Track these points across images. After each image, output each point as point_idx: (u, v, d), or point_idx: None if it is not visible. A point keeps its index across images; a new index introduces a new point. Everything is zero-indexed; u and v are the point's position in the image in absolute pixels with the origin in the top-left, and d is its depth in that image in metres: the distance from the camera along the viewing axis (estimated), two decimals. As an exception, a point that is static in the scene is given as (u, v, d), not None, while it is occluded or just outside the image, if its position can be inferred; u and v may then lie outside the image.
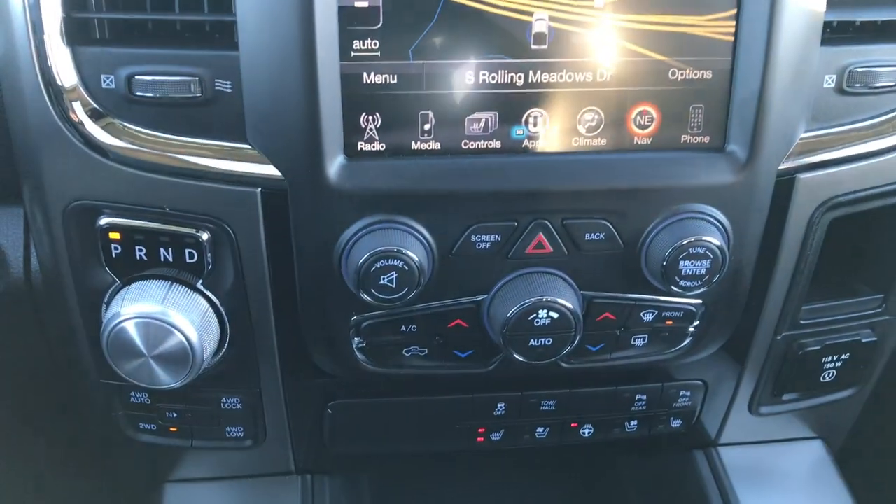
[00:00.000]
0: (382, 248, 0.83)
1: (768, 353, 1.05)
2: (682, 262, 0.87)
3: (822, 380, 1.07)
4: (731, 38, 0.84)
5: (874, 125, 0.91)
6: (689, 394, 1.08)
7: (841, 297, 1.04)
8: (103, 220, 0.86)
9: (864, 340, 1.05)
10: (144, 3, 0.81)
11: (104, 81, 0.81)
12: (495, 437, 1.10)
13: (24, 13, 0.79)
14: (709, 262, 0.87)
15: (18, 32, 0.80)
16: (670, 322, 0.95)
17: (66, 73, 0.80)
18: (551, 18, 0.82)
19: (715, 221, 0.88)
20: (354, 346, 0.94)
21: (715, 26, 0.84)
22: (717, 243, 0.87)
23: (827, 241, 0.98)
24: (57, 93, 0.80)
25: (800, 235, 0.94)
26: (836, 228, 0.98)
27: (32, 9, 0.79)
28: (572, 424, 1.10)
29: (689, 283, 0.88)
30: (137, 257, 0.87)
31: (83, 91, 0.81)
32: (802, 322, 1.02)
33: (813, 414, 1.16)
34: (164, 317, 0.85)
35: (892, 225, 1.00)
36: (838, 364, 1.06)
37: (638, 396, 1.07)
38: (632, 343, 0.97)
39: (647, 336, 0.97)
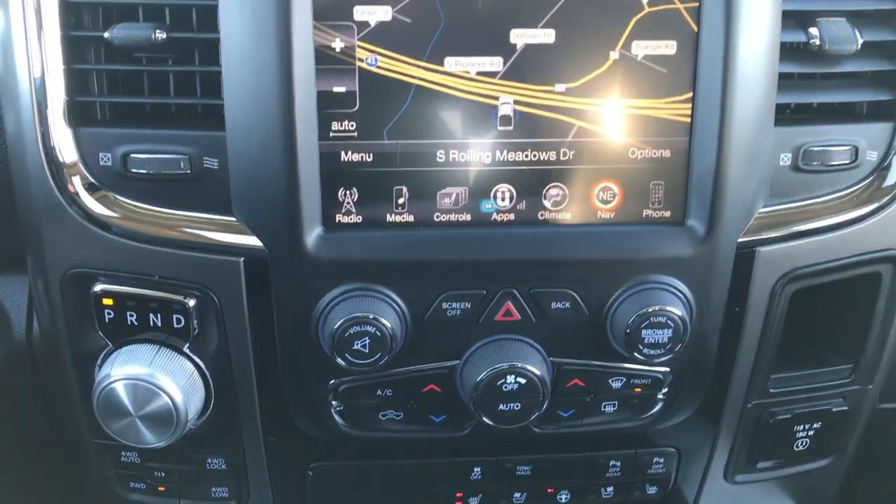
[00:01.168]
0: (356, 315, 0.87)
1: (740, 421, 1.07)
2: (644, 331, 0.90)
3: (795, 448, 1.08)
4: (688, 120, 0.89)
5: (831, 201, 0.96)
6: (662, 460, 1.10)
7: (810, 367, 1.07)
8: (98, 287, 0.91)
9: (834, 409, 1.07)
10: (143, 88, 0.89)
11: (102, 159, 0.88)
12: (473, 501, 1.12)
13: (31, 96, 0.86)
14: (670, 330, 0.90)
15: (25, 114, 0.87)
16: (639, 389, 0.99)
17: (67, 151, 0.87)
18: (516, 102, 0.88)
19: (677, 292, 0.92)
20: (333, 410, 0.98)
21: (672, 109, 0.89)
22: (679, 313, 0.90)
23: (795, 311, 1.01)
24: (58, 169, 0.87)
25: (763, 306, 0.98)
26: (804, 299, 1.01)
27: (39, 92, 0.86)
28: (549, 490, 1.12)
29: (652, 351, 0.91)
30: (129, 322, 0.93)
31: (82, 167, 0.88)
32: (772, 391, 1.05)
33: (792, 483, 1.17)
34: (152, 379, 0.90)
35: (856, 296, 1.03)
36: (811, 433, 1.08)
37: (612, 462, 1.09)
38: (602, 409, 1.00)
39: (616, 403, 1.00)
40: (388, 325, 0.88)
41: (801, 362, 1.07)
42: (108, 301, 0.92)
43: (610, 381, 0.97)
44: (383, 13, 0.84)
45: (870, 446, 1.18)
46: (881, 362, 1.06)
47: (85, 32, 0.86)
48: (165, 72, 0.88)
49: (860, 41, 0.91)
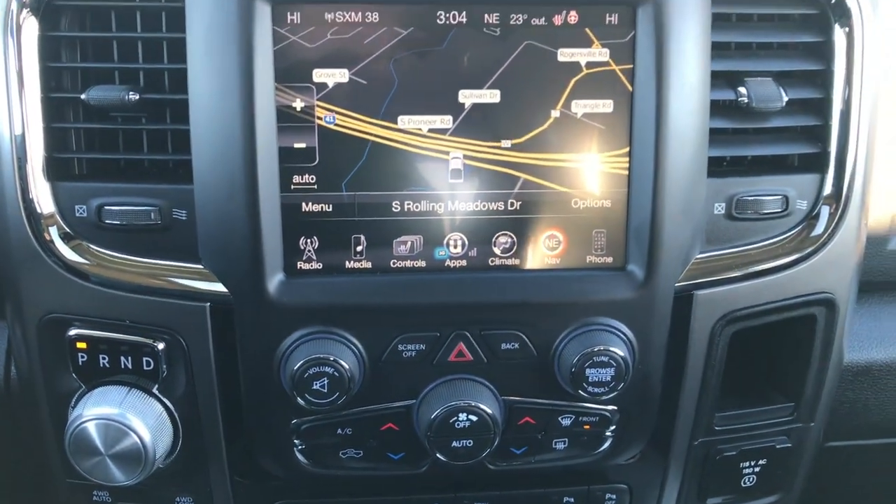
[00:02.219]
0: (316, 356, 0.93)
1: (688, 457, 1.11)
2: (588, 370, 0.96)
3: (743, 484, 1.12)
4: (626, 172, 0.96)
5: (764, 248, 1.02)
6: (615, 497, 1.14)
7: (754, 405, 1.12)
8: (72, 332, 0.96)
9: (778, 446, 1.12)
10: (117, 144, 0.95)
11: (77, 210, 0.94)
12: (433, 537, 1.16)
13: (12, 152, 0.93)
14: (613, 369, 0.96)
15: (6, 168, 0.93)
16: (588, 426, 1.03)
17: (45, 203, 0.93)
18: (465, 157, 0.94)
19: (619, 333, 0.98)
20: (295, 449, 1.02)
21: (611, 162, 0.96)
22: (621, 353, 0.96)
23: (737, 351, 1.07)
24: (36, 220, 0.93)
25: (703, 347, 1.03)
26: (745, 339, 1.07)
27: (19, 148, 0.93)
28: (506, 525, 1.16)
29: (596, 389, 0.96)
30: (101, 364, 0.97)
31: (59, 218, 0.94)
32: (717, 428, 1.10)
33: (743, 520, 1.21)
34: (122, 419, 0.94)
35: (793, 338, 1.09)
36: (757, 469, 1.12)
37: (566, 499, 1.13)
38: (553, 446, 1.05)
39: (567, 440, 1.04)
40: (346, 366, 0.93)
41: (746, 400, 1.12)
42: (81, 345, 0.97)
43: (560, 418, 1.02)
44: (340, 75, 0.91)
45: (820, 484, 1.23)
46: (821, 401, 1.11)
47: (64, 94, 0.93)
48: (139, 130, 0.94)
49: (785, 99, 0.99)
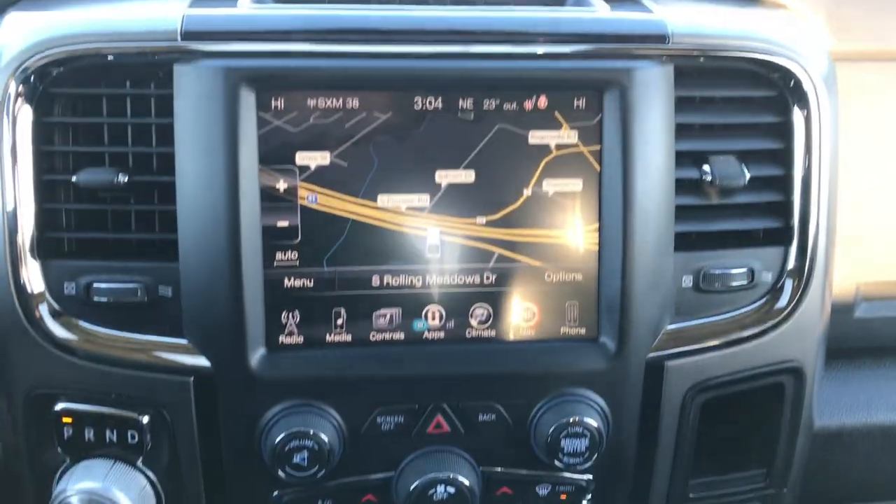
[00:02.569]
0: (296, 430, 0.95)
1: (663, 525, 1.13)
2: (563, 440, 0.98)
3: (719, 551, 1.14)
4: (597, 247, 1.00)
5: (731, 319, 1.05)
6: (592, 565, 1.16)
7: (728, 472, 1.14)
8: (59, 406, 0.98)
9: (752, 513, 1.14)
10: (106, 224, 0.99)
11: (66, 288, 0.97)
12: None
13: (4, 231, 0.95)
14: (587, 440, 0.98)
15: (-3, 247, 0.97)
16: (564, 496, 1.05)
17: (35, 282, 0.96)
18: (442, 233, 0.98)
19: (593, 403, 1.00)
20: (277, 520, 1.04)
21: (582, 237, 1.00)
22: (595, 424, 0.99)
23: (709, 419, 1.09)
24: (25, 297, 0.96)
25: (675, 416, 1.06)
26: (717, 407, 1.09)
27: (11, 228, 0.95)
28: None
29: (572, 459, 0.99)
30: (86, 438, 0.99)
31: (48, 296, 0.96)
32: (692, 496, 1.11)
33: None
34: (106, 493, 0.95)
35: (763, 405, 1.11)
36: (733, 536, 1.14)
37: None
38: (531, 515, 1.07)
39: (544, 509, 1.07)
40: (326, 439, 0.95)
41: (720, 467, 1.14)
42: (67, 419, 0.98)
43: (536, 488, 1.04)
44: (322, 158, 0.95)
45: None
46: (793, 467, 1.13)
47: (55, 176, 0.97)
48: (127, 210, 0.98)
49: (748, 176, 1.03)
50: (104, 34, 0.94)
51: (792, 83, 1.04)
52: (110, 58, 0.94)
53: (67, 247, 0.99)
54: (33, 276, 0.96)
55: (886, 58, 1.23)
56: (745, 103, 1.06)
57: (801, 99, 1.04)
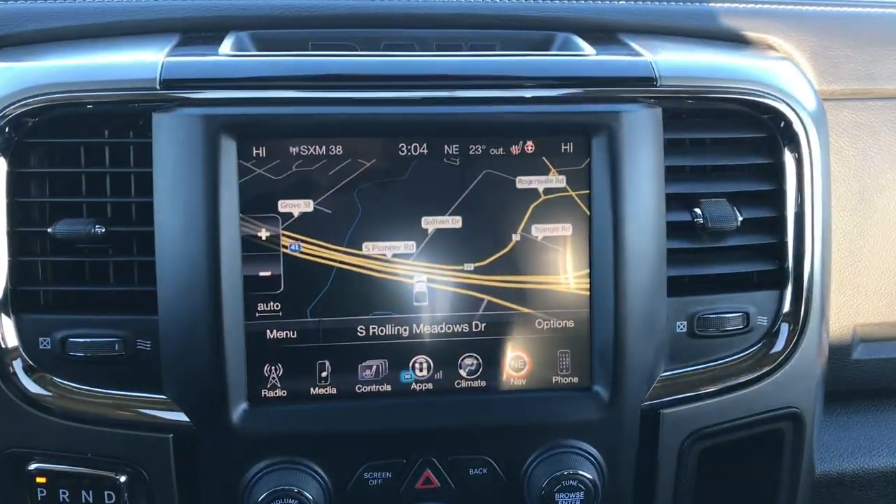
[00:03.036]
0: (278, 488, 0.91)
1: (662, 580, 1.09)
2: (557, 495, 0.95)
3: None
4: (588, 293, 0.97)
5: (727, 364, 1.03)
6: None
7: (728, 523, 1.11)
8: (32, 466, 0.94)
9: (755, 565, 1.10)
10: (83, 276, 0.96)
11: (41, 343, 0.93)
12: None
13: (-25, 287, 0.93)
14: (582, 493, 0.95)
15: (-31, 303, 0.94)
16: (559, 552, 1.02)
17: (8, 336, 0.93)
18: (429, 280, 0.96)
19: (588, 455, 0.97)
20: (260, 582, 1.00)
21: (572, 283, 0.97)
22: (590, 476, 0.95)
23: (708, 467, 1.06)
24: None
25: (672, 465, 1.02)
26: (715, 455, 1.06)
27: (-18, 282, 0.93)
28: None
29: (566, 515, 0.96)
30: (61, 500, 0.95)
31: (22, 352, 0.93)
32: (692, 548, 1.08)
33: None
34: (81, 557, 0.93)
35: (762, 452, 1.08)
36: (735, 590, 1.10)
37: None
38: (525, 574, 1.03)
39: (538, 566, 1.03)
40: (310, 497, 0.92)
41: (720, 518, 1.11)
42: (41, 479, 0.94)
43: (530, 544, 1.01)
44: (305, 206, 0.93)
45: None
46: (795, 516, 1.11)
47: (31, 228, 0.94)
48: (105, 262, 0.95)
49: (740, 219, 1.01)
50: (81, 83, 0.92)
51: (782, 124, 1.03)
52: (89, 107, 0.92)
53: (42, 300, 0.96)
54: (7, 331, 0.93)
55: (875, 96, 1.23)
56: (736, 145, 1.05)
57: (792, 140, 1.03)
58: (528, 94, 0.95)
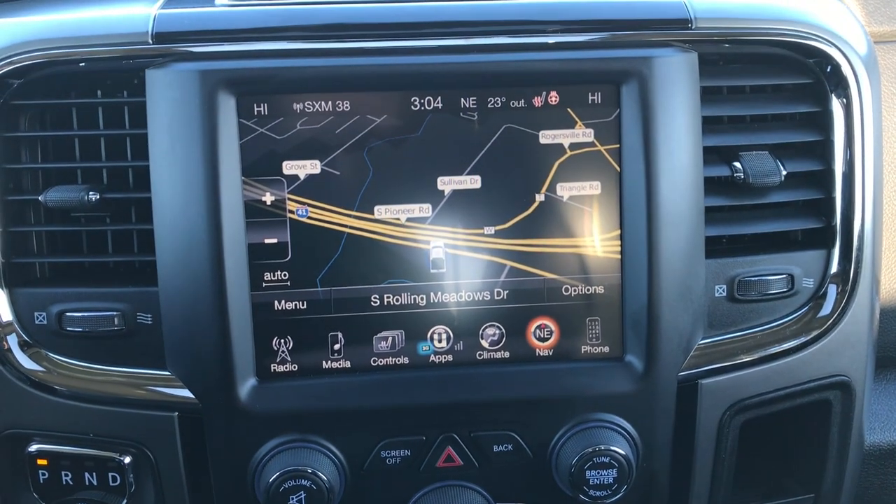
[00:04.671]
0: (292, 468, 0.86)
1: (701, 560, 1.03)
2: (588, 472, 0.89)
3: (764, 587, 1.04)
4: (619, 256, 0.90)
5: (770, 330, 0.96)
6: None
7: (771, 498, 1.04)
8: (32, 448, 0.90)
9: (800, 542, 1.04)
10: (81, 246, 0.91)
11: (37, 318, 0.89)
12: None
13: (-33, 261, 0.88)
14: (615, 470, 0.89)
15: (-41, 277, 0.89)
16: (591, 532, 0.96)
17: (2, 311, 0.88)
18: (447, 246, 0.89)
19: (620, 430, 0.91)
20: (273, 566, 0.95)
21: (602, 246, 0.90)
22: (623, 452, 0.89)
23: (748, 441, 0.99)
24: (-8, 330, 0.88)
25: (712, 440, 0.96)
26: (756, 428, 0.99)
27: (-26, 256, 0.88)
28: None
29: (598, 493, 0.89)
30: (63, 482, 0.91)
31: (17, 327, 0.88)
32: (732, 527, 1.02)
33: None
34: (86, 541, 0.88)
35: (809, 424, 1.02)
36: (779, 570, 1.04)
37: None
38: (554, 555, 0.97)
39: (569, 547, 0.97)
40: (324, 477, 0.86)
41: (762, 494, 1.04)
42: (42, 461, 0.90)
43: (559, 525, 0.95)
44: (312, 167, 0.87)
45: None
46: (843, 490, 1.03)
47: (23, 196, 0.89)
48: (102, 231, 0.90)
49: (784, 173, 0.94)
50: (68, 39, 0.86)
51: (829, 68, 0.95)
52: (81, 65, 0.86)
53: (38, 273, 0.91)
54: (1, 306, 0.88)
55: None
56: (778, 92, 0.97)
57: (840, 85, 0.95)
58: (551, 39, 0.88)
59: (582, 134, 0.88)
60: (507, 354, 0.91)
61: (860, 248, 0.96)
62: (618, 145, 0.89)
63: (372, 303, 0.89)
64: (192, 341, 0.87)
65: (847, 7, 1.03)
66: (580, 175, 0.89)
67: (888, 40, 1.09)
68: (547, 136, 0.88)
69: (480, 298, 0.90)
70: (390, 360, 0.90)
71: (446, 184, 0.88)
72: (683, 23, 0.90)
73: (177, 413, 0.89)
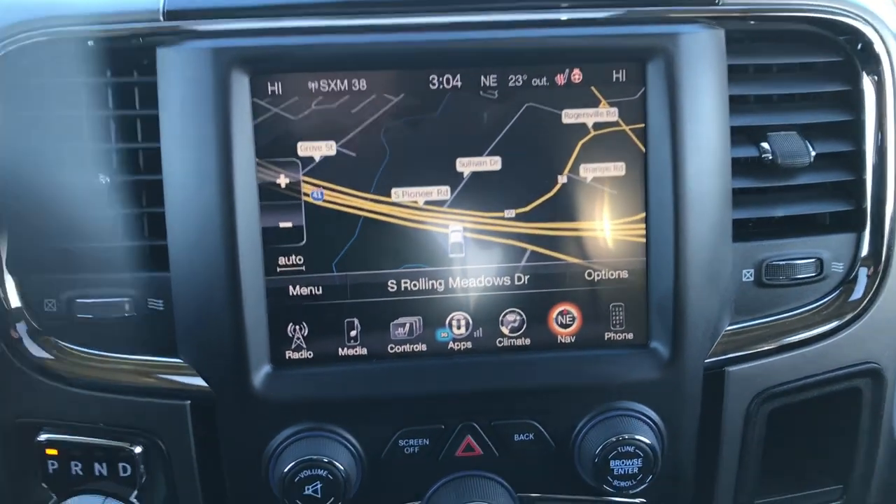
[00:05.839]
0: (307, 458, 0.84)
1: (725, 552, 1.01)
2: (612, 462, 0.86)
3: (791, 579, 1.02)
4: (644, 240, 0.88)
5: (799, 316, 0.93)
6: None
7: (799, 489, 1.01)
8: (42, 437, 0.88)
9: (829, 535, 1.01)
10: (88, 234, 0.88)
11: (46, 305, 0.86)
12: None
13: (-26, 244, 0.86)
14: (640, 460, 0.86)
15: (-33, 262, 0.86)
16: (614, 523, 0.94)
17: (11, 298, 0.86)
18: (466, 229, 0.87)
19: (645, 418, 0.88)
20: (288, 557, 0.93)
21: (627, 229, 0.88)
22: (648, 441, 0.86)
23: (775, 430, 0.97)
24: (1, 317, 0.85)
25: (739, 429, 0.93)
26: (784, 417, 0.97)
27: (-18, 239, 0.86)
28: None
29: (622, 483, 0.87)
30: (73, 473, 0.89)
31: (26, 313, 0.86)
32: (758, 517, 0.99)
33: None
34: (96, 533, 0.86)
35: (838, 413, 0.99)
36: (806, 562, 1.01)
37: None
38: (577, 547, 0.95)
39: (591, 537, 0.94)
40: (341, 467, 0.84)
41: (790, 485, 1.01)
42: (52, 451, 0.88)
43: (582, 515, 0.93)
44: (328, 148, 0.84)
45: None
46: (873, 481, 1.00)
47: (31, 179, 0.87)
48: (112, 214, 0.87)
49: (813, 154, 0.91)
50: (76, 17, 0.83)
51: (860, 46, 0.92)
52: (90, 43, 0.84)
53: (48, 259, 0.89)
54: (9, 292, 0.86)
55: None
56: (807, 71, 0.94)
57: (872, 63, 0.92)
58: (574, 15, 0.85)
59: (606, 113, 0.85)
60: (527, 341, 0.89)
61: (892, 231, 0.93)
62: (643, 125, 0.86)
63: (389, 288, 0.87)
64: (204, 328, 0.84)
65: (878, -18, 1.00)
66: (604, 156, 0.86)
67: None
68: (570, 116, 0.85)
69: (500, 284, 0.88)
70: (408, 347, 0.88)
71: (465, 165, 0.85)
72: (710, -2, 0.87)
73: (189, 401, 0.86)
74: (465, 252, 0.87)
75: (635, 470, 0.86)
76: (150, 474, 0.89)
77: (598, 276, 0.88)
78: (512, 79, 0.84)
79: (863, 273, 0.94)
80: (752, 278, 0.92)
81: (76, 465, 0.88)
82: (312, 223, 0.85)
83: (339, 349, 0.87)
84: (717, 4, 0.87)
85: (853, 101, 0.93)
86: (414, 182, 0.85)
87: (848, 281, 0.94)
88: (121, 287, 0.86)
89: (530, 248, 0.87)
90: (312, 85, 0.83)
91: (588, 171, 0.86)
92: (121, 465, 0.88)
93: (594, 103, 0.85)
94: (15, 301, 0.86)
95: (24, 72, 0.84)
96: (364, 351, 0.87)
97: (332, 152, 0.84)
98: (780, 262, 0.92)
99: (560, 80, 0.85)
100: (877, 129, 0.93)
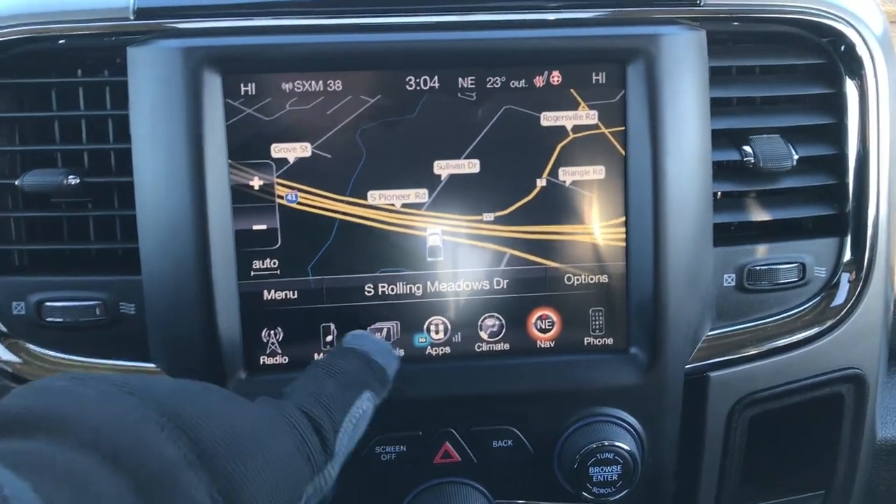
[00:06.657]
0: (281, 465, 0.82)
1: (708, 558, 1.00)
2: (592, 468, 0.85)
3: (772, 586, 1.01)
4: (623, 244, 0.87)
5: (781, 321, 0.92)
6: None
7: (780, 495, 1.00)
8: (11, 443, 0.86)
9: (809, 540, 1.00)
10: (60, 234, 0.87)
11: (15, 308, 0.85)
12: None
13: (-58, 248, 0.84)
14: (620, 467, 0.85)
15: (-66, 265, 0.85)
16: (594, 531, 0.92)
17: (-23, 300, 0.84)
18: (444, 233, 0.85)
19: (625, 424, 0.87)
20: (265, 566, 0.91)
21: (606, 233, 0.86)
22: (628, 448, 0.85)
23: (757, 436, 0.96)
24: (-33, 320, 0.84)
25: (720, 435, 0.92)
26: (766, 423, 0.96)
27: (-50, 243, 0.84)
28: None
29: (602, 490, 0.85)
30: (43, 479, 0.87)
31: (-7, 317, 0.84)
32: (740, 525, 0.98)
33: None
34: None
35: (819, 418, 0.98)
36: (787, 567, 1.00)
37: None
38: (556, 554, 0.93)
39: (571, 545, 0.93)
40: (315, 473, 0.82)
41: (771, 491, 1.00)
42: (20, 458, 0.86)
43: (562, 523, 0.91)
44: (302, 150, 0.83)
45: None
46: (854, 486, 0.99)
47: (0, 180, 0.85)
48: (83, 217, 0.86)
49: (795, 157, 0.90)
50: (45, 15, 0.81)
51: (843, 48, 0.91)
52: (61, 42, 0.82)
53: (16, 260, 0.87)
54: (-24, 295, 0.85)
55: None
56: (790, 73, 0.93)
57: (855, 66, 0.91)
58: (553, 16, 0.84)
59: (585, 116, 0.84)
60: (506, 346, 0.88)
61: (874, 236, 0.93)
62: (623, 128, 0.84)
63: (366, 292, 0.85)
64: (177, 332, 0.83)
65: (861, -15, 0.99)
66: (583, 159, 0.85)
67: (902, 20, 1.05)
68: (549, 118, 0.84)
69: (479, 288, 0.87)
70: (385, 353, 0.86)
71: (443, 168, 0.84)
72: (691, -1, 0.86)
73: (161, 408, 0.85)
74: (443, 256, 0.85)
75: (615, 477, 0.85)
76: (122, 482, 0.87)
77: (577, 280, 0.87)
78: (490, 80, 0.83)
79: (845, 278, 0.93)
80: (733, 283, 0.91)
81: (46, 473, 0.87)
82: (287, 226, 0.83)
83: (315, 354, 0.86)
84: (699, 5, 0.86)
85: (836, 104, 0.93)
86: (391, 185, 0.84)
87: (830, 286, 0.93)
88: (92, 290, 0.84)
89: (509, 251, 0.86)
90: (286, 85, 0.82)
91: (567, 175, 0.85)
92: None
93: (573, 106, 0.84)
94: (-18, 304, 0.85)
95: (-8, 71, 0.83)
96: (340, 356, 0.86)
97: (307, 154, 0.83)
98: (762, 267, 0.91)
99: (539, 82, 0.83)
100: (859, 133, 0.92)
